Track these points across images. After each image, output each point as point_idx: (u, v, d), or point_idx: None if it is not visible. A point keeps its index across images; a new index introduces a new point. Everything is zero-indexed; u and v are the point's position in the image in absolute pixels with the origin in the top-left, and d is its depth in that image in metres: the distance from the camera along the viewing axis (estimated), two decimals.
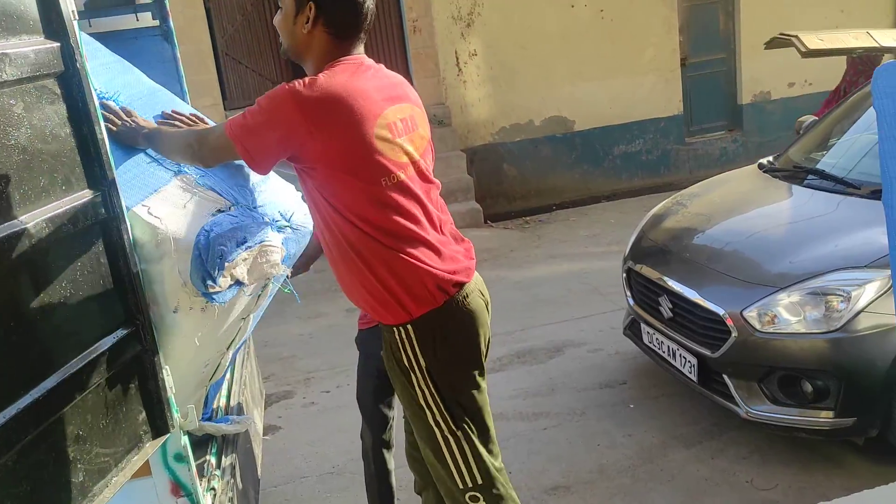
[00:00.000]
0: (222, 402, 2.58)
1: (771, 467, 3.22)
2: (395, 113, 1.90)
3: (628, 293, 4.01)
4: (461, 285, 1.95)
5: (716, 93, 9.52)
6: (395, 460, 2.78)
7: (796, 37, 6.39)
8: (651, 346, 3.76)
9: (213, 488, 2.11)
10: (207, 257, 1.77)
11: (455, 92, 8.53)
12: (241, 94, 8.22)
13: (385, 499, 2.84)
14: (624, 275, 4.08)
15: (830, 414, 3.02)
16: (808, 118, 4.76)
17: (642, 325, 3.82)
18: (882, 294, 2.91)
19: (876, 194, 3.11)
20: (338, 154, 1.79)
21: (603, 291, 5.50)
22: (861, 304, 2.95)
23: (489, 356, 2.15)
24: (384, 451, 2.78)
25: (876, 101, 1.83)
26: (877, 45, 6.33)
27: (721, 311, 3.22)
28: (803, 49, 6.31)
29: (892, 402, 2.94)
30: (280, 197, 2.18)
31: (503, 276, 6.22)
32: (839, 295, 3.00)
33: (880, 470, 2.94)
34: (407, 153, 1.90)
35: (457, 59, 8.47)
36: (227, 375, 2.78)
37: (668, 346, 3.58)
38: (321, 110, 1.76)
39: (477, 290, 2.02)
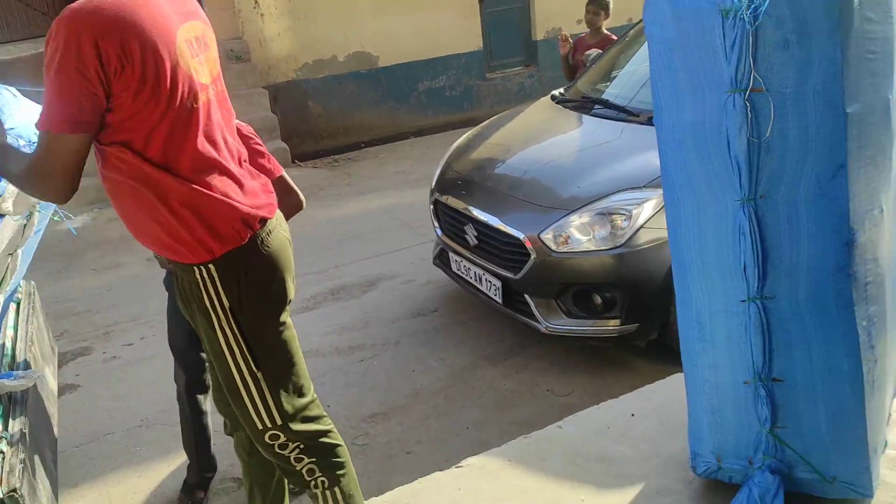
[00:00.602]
0: (5, 361, 2.36)
1: (568, 376, 3.52)
2: (189, 30, 1.73)
3: (436, 224, 4.12)
4: (265, 221, 1.84)
5: (513, 29, 9.82)
6: (210, 403, 2.71)
7: None
8: (459, 273, 3.92)
9: (2, 451, 1.95)
10: None
11: (252, 26, 8.12)
12: (6, 28, 7.30)
13: (200, 441, 2.78)
14: (431, 207, 4.18)
15: (617, 322, 3.34)
16: (595, 52, 5.06)
17: (450, 255, 3.96)
18: (658, 211, 3.22)
19: (652, 121, 3.40)
20: (145, 77, 1.59)
21: (413, 225, 5.61)
22: (640, 221, 3.25)
23: (301, 295, 2.12)
24: (198, 394, 2.71)
25: (647, 28, 1.99)
26: None
27: (521, 236, 3.41)
28: None
29: (668, 308, 3.28)
30: (34, 119, 1.96)
31: (314, 214, 6.13)
32: (622, 214, 3.28)
33: (659, 368, 3.28)
34: (204, 74, 1.74)
35: None
36: (10, 332, 2.54)
37: (475, 272, 3.74)
38: (116, 31, 1.54)
39: (279, 225, 1.92)
